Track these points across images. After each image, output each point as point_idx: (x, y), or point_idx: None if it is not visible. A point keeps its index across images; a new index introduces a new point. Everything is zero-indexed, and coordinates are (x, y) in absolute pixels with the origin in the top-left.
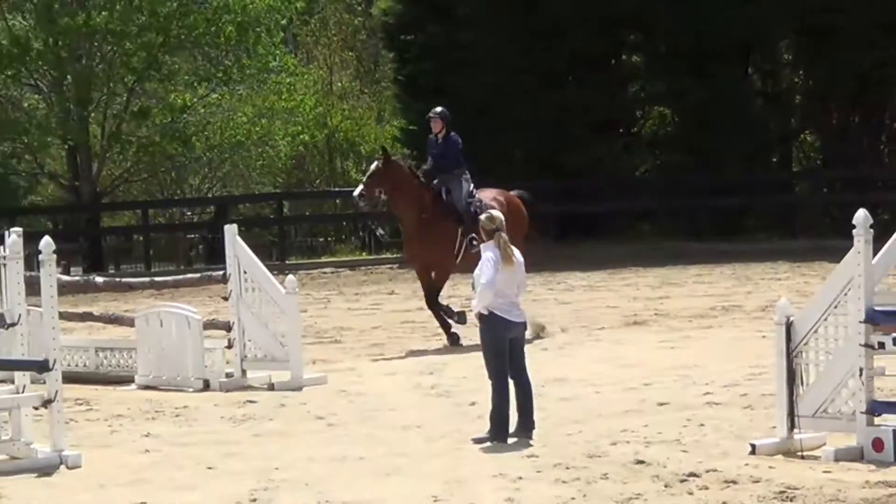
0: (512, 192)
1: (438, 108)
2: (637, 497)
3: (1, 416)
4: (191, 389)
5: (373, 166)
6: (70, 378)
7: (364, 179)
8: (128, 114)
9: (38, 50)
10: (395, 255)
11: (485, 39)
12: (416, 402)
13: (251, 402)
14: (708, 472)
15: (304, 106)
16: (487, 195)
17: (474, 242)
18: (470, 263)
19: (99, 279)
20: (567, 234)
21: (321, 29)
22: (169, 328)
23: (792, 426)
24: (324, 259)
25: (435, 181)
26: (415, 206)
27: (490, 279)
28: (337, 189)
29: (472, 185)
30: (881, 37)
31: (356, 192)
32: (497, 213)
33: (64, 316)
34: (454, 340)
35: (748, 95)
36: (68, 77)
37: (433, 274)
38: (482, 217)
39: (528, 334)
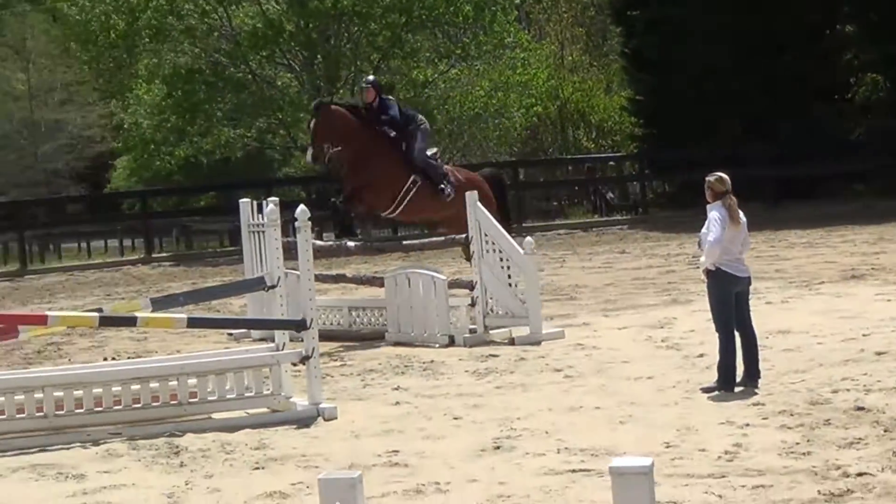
0: (483, 171)
1: (371, 77)
2: (858, 441)
3: (262, 371)
4: (437, 345)
5: (312, 123)
6: (325, 336)
7: (309, 141)
8: None
9: (290, 32)
10: (625, 217)
11: (707, 13)
12: (648, 354)
13: (493, 356)
14: None
15: (537, 79)
16: (450, 168)
17: (444, 189)
18: (412, 214)
19: (350, 244)
20: (785, 195)
21: (552, 6)
22: (416, 288)
23: None
24: (557, 222)
25: (392, 134)
26: (363, 148)
27: (718, 237)
28: (569, 157)
29: (437, 152)
30: None
31: (308, 157)
32: (726, 176)
33: (319, 278)
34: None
35: None
36: (318, 56)
37: (367, 199)
38: (711, 178)
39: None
